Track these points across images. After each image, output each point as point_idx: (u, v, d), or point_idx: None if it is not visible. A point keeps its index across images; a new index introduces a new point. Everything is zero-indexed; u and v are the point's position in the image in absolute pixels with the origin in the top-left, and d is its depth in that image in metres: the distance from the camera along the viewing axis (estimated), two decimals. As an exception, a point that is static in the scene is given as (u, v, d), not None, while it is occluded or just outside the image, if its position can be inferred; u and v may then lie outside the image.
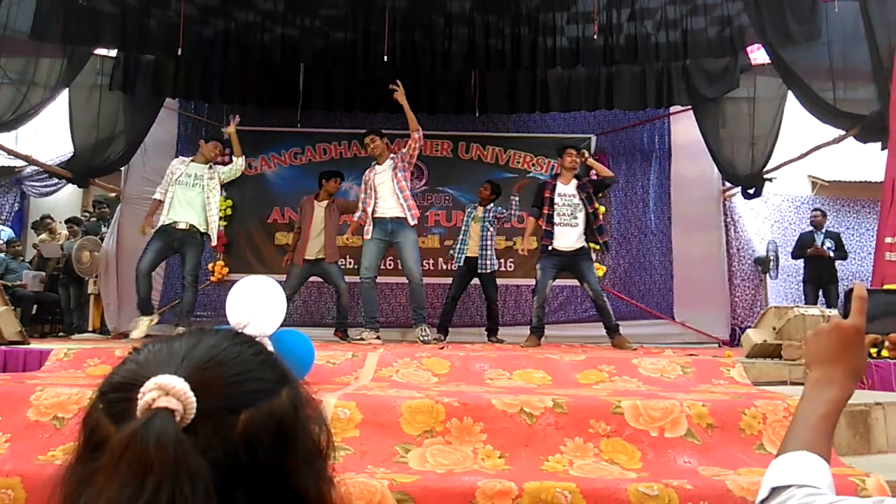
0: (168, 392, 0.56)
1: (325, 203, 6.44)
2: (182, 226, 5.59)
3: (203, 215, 5.68)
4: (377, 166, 5.94)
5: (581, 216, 5.65)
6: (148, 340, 0.67)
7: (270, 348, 0.69)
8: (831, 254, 7.81)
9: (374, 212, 5.80)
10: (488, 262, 6.48)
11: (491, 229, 6.53)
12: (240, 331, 0.68)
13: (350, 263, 7.81)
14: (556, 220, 5.63)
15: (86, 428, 0.60)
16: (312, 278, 6.61)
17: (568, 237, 5.62)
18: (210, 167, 5.86)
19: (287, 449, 0.61)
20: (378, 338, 5.79)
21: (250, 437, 0.58)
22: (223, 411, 0.58)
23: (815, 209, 8.30)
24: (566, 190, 5.70)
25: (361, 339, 5.70)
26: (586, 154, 5.86)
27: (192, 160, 5.87)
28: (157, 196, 5.78)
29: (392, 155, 5.97)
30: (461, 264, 6.53)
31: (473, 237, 6.53)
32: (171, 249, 5.71)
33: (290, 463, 0.61)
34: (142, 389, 0.57)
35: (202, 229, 5.68)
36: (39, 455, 2.55)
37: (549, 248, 5.65)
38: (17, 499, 2.36)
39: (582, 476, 2.50)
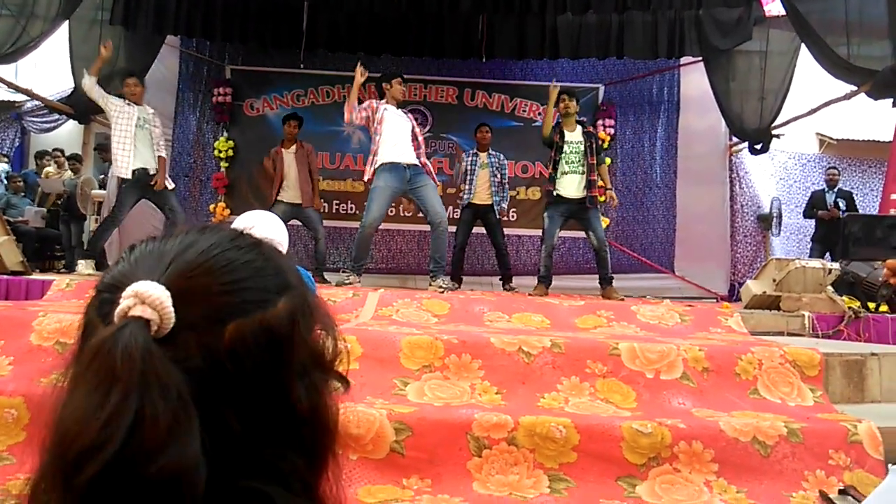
0: (144, 301, 0.54)
1: (292, 149, 6.46)
2: (152, 171, 5.75)
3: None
4: (391, 106, 5.50)
5: (585, 165, 5.62)
6: (147, 238, 0.63)
7: (282, 249, 0.65)
8: (842, 215, 7.76)
9: (386, 155, 5.34)
10: (503, 205, 6.51)
11: (498, 175, 6.46)
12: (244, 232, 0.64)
13: (351, 208, 7.83)
14: (564, 167, 5.61)
15: (81, 328, 0.59)
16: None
17: (574, 185, 5.58)
18: (152, 113, 5.93)
19: (278, 360, 0.59)
20: (359, 282, 5.36)
21: (237, 349, 0.56)
22: (208, 321, 0.56)
23: (831, 167, 8.20)
24: (573, 137, 5.66)
25: (349, 281, 5.26)
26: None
27: (133, 102, 5.82)
28: (108, 100, 5.77)
29: (406, 111, 5.66)
30: (465, 208, 6.43)
31: (482, 183, 6.41)
32: (143, 196, 5.83)
33: (281, 375, 0.59)
34: (123, 295, 0.55)
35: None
36: (42, 378, 2.58)
37: (555, 194, 5.60)
38: (20, 418, 2.40)
39: (577, 413, 2.54)
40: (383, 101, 5.54)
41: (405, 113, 5.63)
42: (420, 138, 5.60)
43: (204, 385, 0.55)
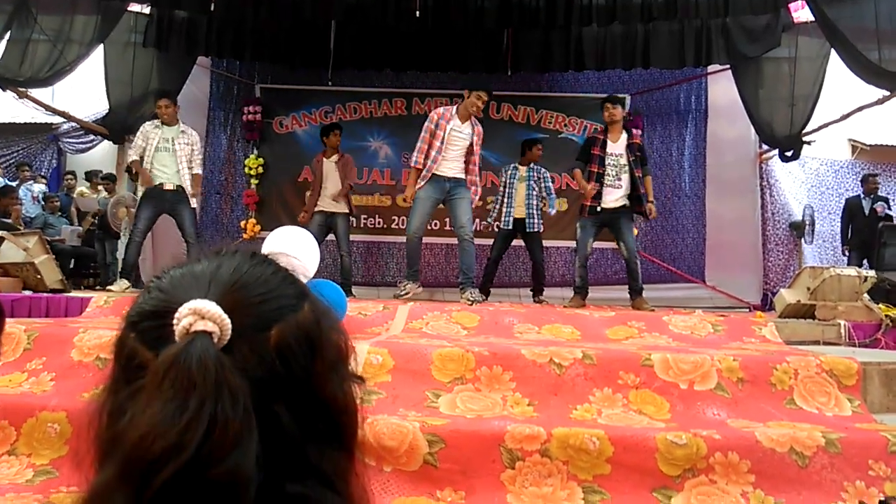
0: (204, 316, 0.58)
1: (333, 158, 6.49)
2: (169, 187, 5.72)
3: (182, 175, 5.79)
4: (457, 120, 5.48)
5: (626, 178, 5.50)
6: (167, 267, 0.68)
7: (313, 263, 0.69)
8: (884, 211, 7.62)
9: (437, 169, 5.43)
10: (536, 220, 6.40)
11: (536, 189, 6.43)
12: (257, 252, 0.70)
13: (378, 223, 7.91)
14: (605, 180, 5.49)
15: (121, 356, 0.63)
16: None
17: (610, 198, 5.50)
18: (183, 131, 5.88)
19: (315, 357, 0.64)
20: (421, 286, 5.68)
21: (283, 350, 0.61)
22: (255, 330, 0.61)
23: (872, 175, 8.03)
24: (615, 149, 5.53)
25: (406, 292, 5.44)
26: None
27: (162, 123, 5.83)
28: (135, 157, 5.80)
29: (474, 123, 5.57)
30: (510, 227, 6.35)
31: (520, 197, 6.37)
32: (161, 212, 5.82)
33: (318, 370, 0.64)
34: (176, 315, 0.59)
35: (188, 190, 5.81)
36: (84, 392, 2.64)
37: (597, 208, 5.50)
38: (62, 432, 2.46)
39: (610, 424, 2.52)
40: (453, 108, 5.58)
41: (472, 124, 5.54)
42: (476, 156, 5.60)
43: (262, 389, 0.59)
